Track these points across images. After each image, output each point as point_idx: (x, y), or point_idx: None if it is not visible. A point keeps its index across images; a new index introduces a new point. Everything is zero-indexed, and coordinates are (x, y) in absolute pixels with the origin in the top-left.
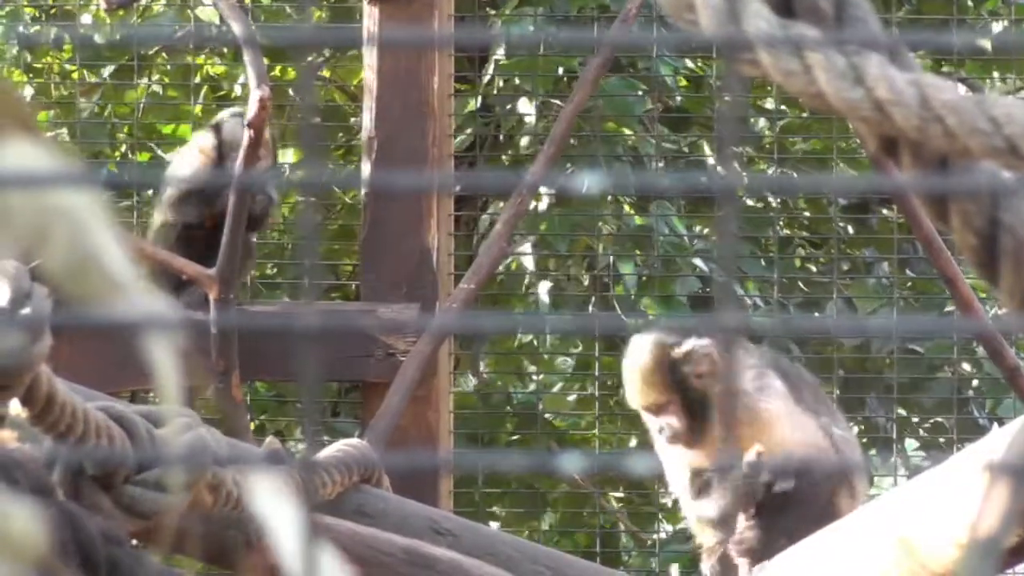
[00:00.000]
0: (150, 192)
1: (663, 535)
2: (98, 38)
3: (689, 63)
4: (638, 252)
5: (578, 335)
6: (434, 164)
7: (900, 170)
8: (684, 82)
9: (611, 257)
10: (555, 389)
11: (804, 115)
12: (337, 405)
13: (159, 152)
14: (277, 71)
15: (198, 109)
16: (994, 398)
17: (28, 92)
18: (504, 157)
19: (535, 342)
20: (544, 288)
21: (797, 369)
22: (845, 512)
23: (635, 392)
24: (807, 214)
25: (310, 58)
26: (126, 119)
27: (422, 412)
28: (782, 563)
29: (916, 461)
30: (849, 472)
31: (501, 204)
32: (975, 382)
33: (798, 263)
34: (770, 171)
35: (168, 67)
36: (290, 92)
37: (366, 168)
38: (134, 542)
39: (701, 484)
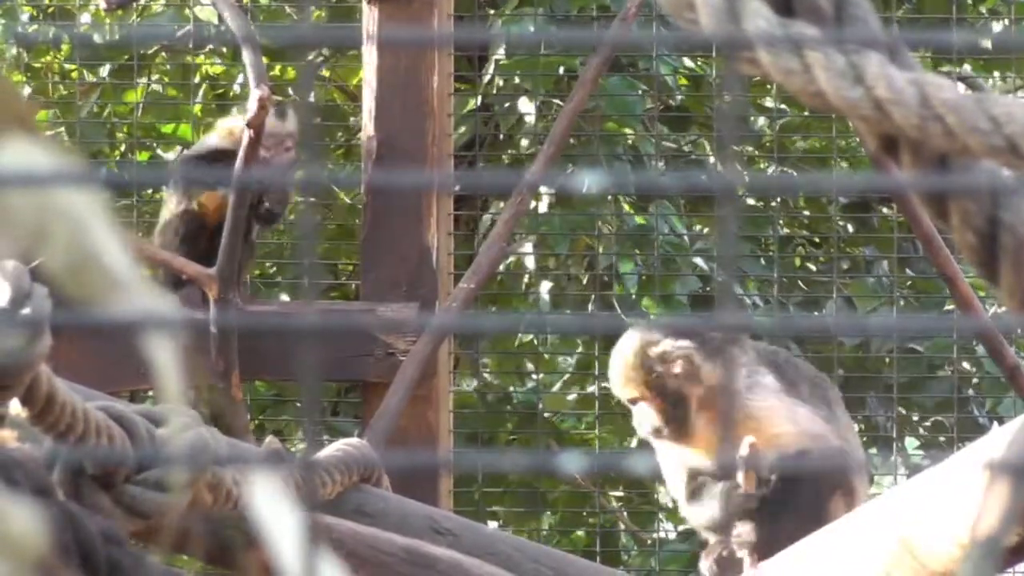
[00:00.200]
0: (150, 191)
1: (663, 534)
2: (97, 37)
3: (689, 62)
4: (638, 252)
5: (578, 335)
6: (434, 163)
7: (900, 169)
8: (684, 81)
9: (613, 257)
10: (555, 388)
11: (804, 114)
12: (337, 404)
13: (159, 151)
14: (277, 71)
15: (197, 109)
16: (994, 397)
17: (27, 91)
18: (504, 156)
19: (535, 341)
20: (544, 288)
21: (794, 362)
22: (844, 506)
23: (616, 384)
24: (807, 213)
25: (310, 57)
26: (125, 119)
27: (422, 411)
28: (782, 562)
29: (916, 460)
30: (847, 460)
31: (502, 204)
32: (975, 381)
33: (798, 262)
34: (770, 170)
35: (167, 67)
36: (290, 91)
37: (366, 168)
38: (134, 542)
39: (696, 487)
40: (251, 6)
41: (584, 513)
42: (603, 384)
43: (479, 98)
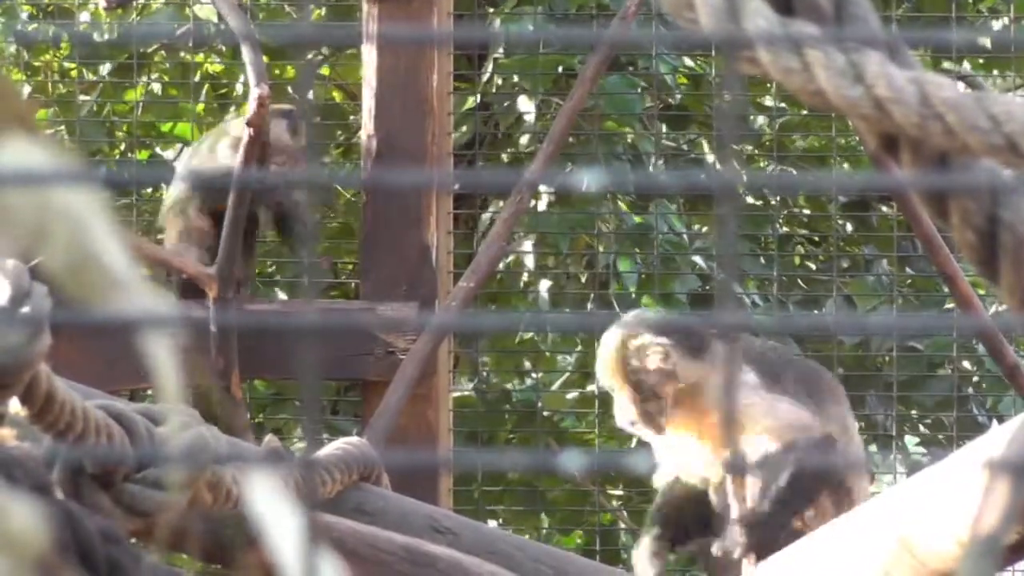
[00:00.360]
0: (149, 190)
1: None
2: (96, 36)
3: (688, 61)
4: (638, 251)
5: (577, 333)
6: (433, 162)
7: (900, 168)
8: (683, 80)
9: (612, 256)
10: (554, 387)
11: (803, 113)
12: (336, 403)
13: (158, 150)
14: (276, 69)
15: (199, 108)
16: (994, 395)
17: (26, 90)
18: (504, 155)
19: (535, 339)
20: (544, 286)
21: (781, 355)
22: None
23: (599, 374)
24: (806, 212)
25: (309, 56)
26: (125, 117)
27: (422, 410)
28: (782, 560)
29: (916, 458)
30: (834, 449)
31: (501, 203)
32: (975, 379)
33: (797, 261)
34: (769, 169)
35: (167, 65)
36: (289, 90)
37: (365, 166)
38: (133, 540)
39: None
40: (251, 5)
41: (584, 511)
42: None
43: (478, 96)
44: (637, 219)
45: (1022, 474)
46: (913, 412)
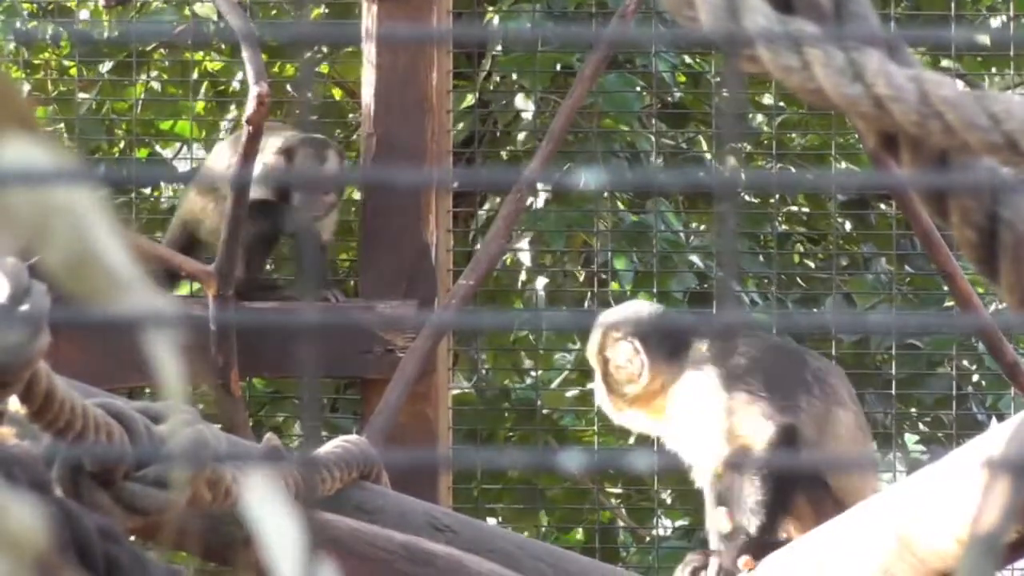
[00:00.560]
0: (148, 188)
1: (662, 531)
2: (96, 34)
3: (687, 59)
4: (635, 249)
5: (576, 331)
6: (433, 160)
7: (899, 166)
8: (683, 78)
9: (608, 253)
10: (554, 385)
11: (802, 111)
12: (336, 401)
13: (158, 148)
14: (276, 68)
15: (198, 106)
16: (994, 393)
17: (26, 88)
18: (503, 153)
19: (531, 337)
20: (541, 284)
21: (758, 347)
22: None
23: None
24: (805, 210)
25: (309, 54)
26: (124, 115)
27: (421, 408)
28: (782, 559)
29: (915, 456)
30: (793, 439)
31: (497, 200)
32: (975, 378)
33: (796, 259)
34: (768, 167)
35: (166, 63)
36: (289, 89)
37: (364, 164)
38: (133, 539)
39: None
40: (250, 3)
41: (583, 510)
42: None
43: (477, 94)
44: (634, 217)
45: (1022, 473)
46: (912, 410)
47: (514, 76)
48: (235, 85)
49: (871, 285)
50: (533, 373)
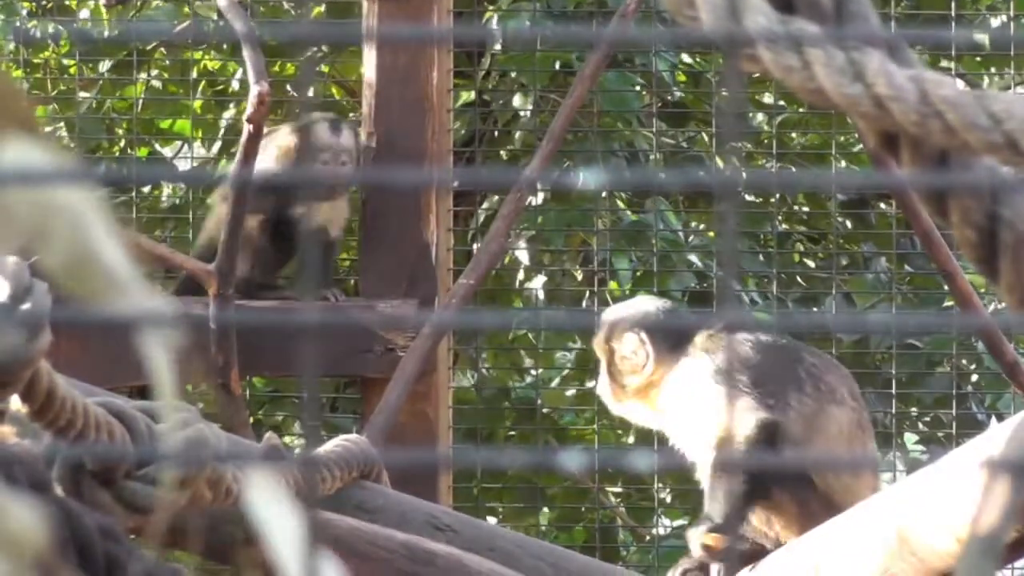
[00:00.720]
0: (148, 187)
1: (661, 530)
2: (96, 33)
3: (687, 58)
4: (634, 248)
5: (575, 330)
6: (433, 159)
7: (899, 166)
8: (683, 77)
9: (608, 252)
10: (554, 384)
11: (803, 110)
12: (336, 400)
13: (158, 147)
14: (276, 67)
15: (197, 104)
16: (993, 393)
17: (26, 87)
18: (503, 152)
19: (530, 336)
20: (539, 283)
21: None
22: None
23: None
24: (806, 209)
25: (309, 54)
26: (124, 114)
27: (421, 407)
28: (782, 558)
29: (915, 456)
30: (778, 429)
31: (496, 198)
32: (974, 377)
33: (796, 258)
34: (768, 166)
35: (166, 62)
36: (289, 88)
37: (365, 164)
38: (133, 538)
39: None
40: (251, 2)
41: (583, 509)
42: None
43: (476, 92)
44: (633, 216)
45: (1021, 473)
46: (912, 410)
47: (513, 75)
48: (235, 85)
49: (871, 284)
50: (533, 372)
